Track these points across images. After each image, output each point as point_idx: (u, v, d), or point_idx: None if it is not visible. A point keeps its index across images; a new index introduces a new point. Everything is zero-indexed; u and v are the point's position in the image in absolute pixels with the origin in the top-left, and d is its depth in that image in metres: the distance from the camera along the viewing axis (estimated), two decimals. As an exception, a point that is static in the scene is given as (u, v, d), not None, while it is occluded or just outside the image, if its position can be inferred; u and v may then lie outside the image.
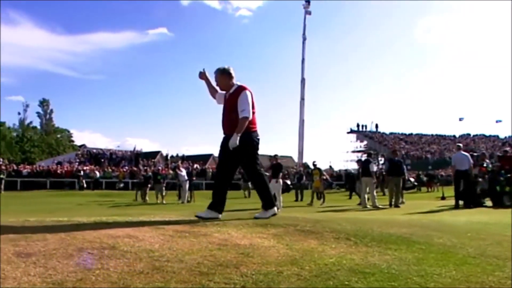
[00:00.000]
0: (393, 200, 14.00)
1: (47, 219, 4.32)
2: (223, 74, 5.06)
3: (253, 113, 4.94)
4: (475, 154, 14.46)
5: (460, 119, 68.33)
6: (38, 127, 76.17)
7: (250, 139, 4.89)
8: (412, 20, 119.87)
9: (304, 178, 24.16)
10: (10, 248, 2.72)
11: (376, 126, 70.41)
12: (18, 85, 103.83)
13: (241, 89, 4.96)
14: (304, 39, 56.86)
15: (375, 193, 14.58)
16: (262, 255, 2.91)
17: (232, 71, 5.07)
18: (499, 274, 2.61)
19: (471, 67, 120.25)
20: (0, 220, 3.89)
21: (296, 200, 21.57)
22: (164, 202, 19.40)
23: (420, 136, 70.35)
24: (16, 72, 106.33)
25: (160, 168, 33.76)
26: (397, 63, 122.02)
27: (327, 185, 23.20)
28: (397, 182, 14.26)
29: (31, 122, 75.16)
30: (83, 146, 64.54)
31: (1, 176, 28.05)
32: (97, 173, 34.67)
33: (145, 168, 33.06)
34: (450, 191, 15.96)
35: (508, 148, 16.65)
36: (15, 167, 34.06)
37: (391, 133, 70.66)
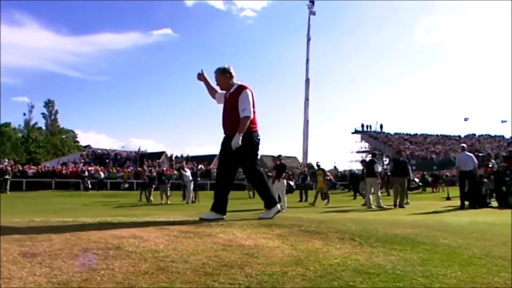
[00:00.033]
0: (398, 200, 13.97)
1: (52, 220, 4.35)
2: (223, 74, 5.04)
3: (253, 112, 4.91)
4: (480, 154, 14.39)
5: (465, 119, 68.12)
6: (43, 128, 76.57)
7: (251, 139, 4.86)
8: (416, 20, 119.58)
9: (309, 178, 24.13)
10: (16, 248, 2.73)
11: (381, 126, 70.36)
12: (24, 86, 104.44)
13: (242, 88, 4.94)
14: (309, 39, 56.88)
15: (379, 194, 14.55)
16: (267, 255, 2.90)
17: (232, 71, 5.05)
18: (504, 275, 2.59)
19: (476, 67, 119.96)
20: (0, 220, 3.90)
21: (301, 201, 21.57)
22: (168, 202, 19.43)
23: (425, 136, 70.19)
24: (21, 73, 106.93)
25: (164, 168, 33.81)
26: (402, 63, 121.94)
27: (331, 185, 23.15)
28: (402, 183, 14.21)
29: (36, 123, 75.65)
30: (88, 146, 64.81)
31: (7, 176, 28.22)
32: (102, 173, 34.76)
33: (150, 168, 33.13)
34: (455, 191, 15.91)
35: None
36: (21, 168, 34.20)
37: (395, 133, 70.51)
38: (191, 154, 56.68)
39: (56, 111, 77.01)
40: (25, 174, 32.66)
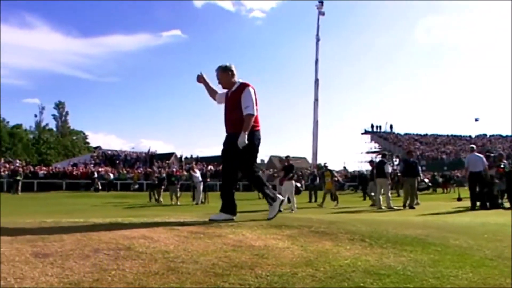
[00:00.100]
0: (408, 201, 13.90)
1: (63, 220, 4.38)
2: (225, 72, 4.99)
3: (256, 110, 4.86)
4: (492, 154, 14.26)
5: (476, 120, 67.57)
6: (54, 129, 77.21)
7: (253, 138, 4.80)
8: (426, 20, 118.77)
9: (318, 179, 24.08)
10: (28, 249, 2.75)
11: (391, 126, 70.04)
12: (34, 88, 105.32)
13: (244, 86, 4.89)
14: (318, 40, 56.63)
15: (389, 194, 14.48)
16: (277, 256, 2.90)
17: (233, 69, 5.01)
18: (517, 276, 2.57)
19: (488, 67, 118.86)
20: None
21: (310, 201, 21.50)
22: (178, 203, 19.47)
23: (435, 136, 69.79)
24: (32, 75, 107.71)
25: (174, 169, 33.88)
26: (412, 63, 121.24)
27: (339, 186, 23.09)
28: (412, 183, 14.15)
29: (47, 125, 76.32)
30: (98, 147, 65.19)
31: (18, 177, 28.45)
32: (111, 175, 34.94)
33: (160, 169, 33.24)
34: (466, 192, 15.77)
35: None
36: (32, 169, 34.46)
37: (405, 134, 70.19)
38: (201, 155, 56.80)
39: (67, 113, 77.70)
40: (36, 175, 32.91)
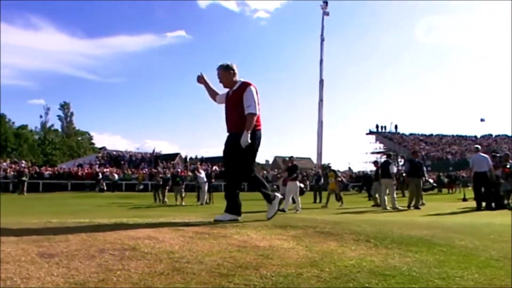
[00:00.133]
0: (413, 201, 13.86)
1: (69, 221, 4.39)
2: (227, 70, 4.95)
3: (258, 110, 4.81)
4: (498, 155, 14.19)
5: (482, 120, 67.34)
6: (59, 130, 77.54)
7: (254, 138, 4.74)
8: (430, 20, 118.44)
9: (322, 179, 24.06)
10: (34, 249, 2.77)
11: (396, 127, 69.93)
12: (40, 89, 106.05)
13: (246, 85, 4.85)
14: (322, 40, 56.57)
15: (395, 195, 14.45)
16: (282, 256, 2.90)
17: (235, 68, 4.97)
18: (523, 277, 2.56)
19: (494, 67, 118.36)
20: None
21: (315, 202, 21.49)
22: (183, 203, 19.50)
23: (440, 137, 69.60)
24: (37, 76, 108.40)
25: (179, 170, 33.96)
26: (417, 63, 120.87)
27: (343, 186, 23.05)
28: (418, 183, 14.11)
29: (52, 125, 76.75)
30: (103, 148, 65.33)
31: (24, 178, 28.58)
32: (116, 175, 35.02)
33: (165, 170, 33.33)
34: (471, 192, 15.72)
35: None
36: (37, 170, 34.60)
37: (410, 134, 70.04)
38: (205, 155, 56.90)
39: (72, 113, 78.08)
40: (42, 176, 33.02)
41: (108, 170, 37.11)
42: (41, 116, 75.42)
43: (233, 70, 4.96)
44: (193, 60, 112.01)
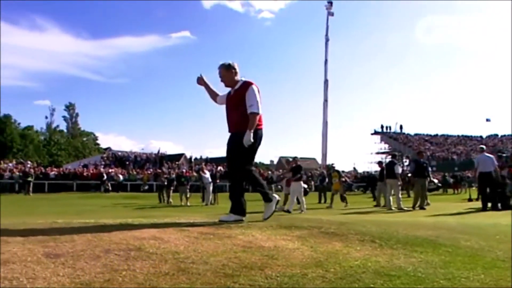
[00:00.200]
0: (418, 202, 13.81)
1: (74, 221, 4.41)
2: (229, 70, 4.92)
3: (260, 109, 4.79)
4: (504, 155, 14.13)
5: (487, 120, 67.03)
6: (65, 130, 77.84)
7: (255, 137, 4.72)
8: (435, 20, 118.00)
9: (327, 180, 24.05)
10: (40, 249, 2.78)
11: (401, 127, 69.80)
12: (45, 90, 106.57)
13: (248, 84, 4.82)
14: (327, 40, 56.62)
15: (400, 195, 14.41)
16: (287, 257, 2.90)
17: (236, 67, 4.93)
18: (529, 278, 2.54)
19: (499, 67, 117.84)
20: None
21: (319, 202, 21.48)
22: (188, 204, 19.54)
23: (446, 137, 69.37)
24: (43, 77, 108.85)
25: (184, 170, 33.98)
26: (422, 63, 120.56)
27: (347, 187, 23.02)
28: (423, 184, 14.06)
29: (57, 126, 77.10)
30: (108, 149, 65.47)
31: (30, 178, 28.73)
32: (120, 176, 35.11)
33: (169, 170, 33.34)
34: (477, 193, 15.67)
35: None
36: (43, 170, 34.71)
37: (416, 134, 69.85)
38: (210, 156, 57.08)
39: (77, 114, 78.41)
40: (47, 176, 33.12)
41: (113, 170, 37.19)
42: (46, 117, 75.90)
43: (235, 69, 4.93)
44: (198, 60, 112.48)
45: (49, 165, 47.72)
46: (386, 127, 69.79)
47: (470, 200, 18.75)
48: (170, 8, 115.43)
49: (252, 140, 4.61)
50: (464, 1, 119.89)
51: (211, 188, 20.03)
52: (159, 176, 24.89)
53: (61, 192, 30.45)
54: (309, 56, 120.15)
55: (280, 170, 41.57)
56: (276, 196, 5.14)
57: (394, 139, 66.85)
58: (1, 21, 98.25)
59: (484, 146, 15.12)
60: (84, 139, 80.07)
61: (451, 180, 33.48)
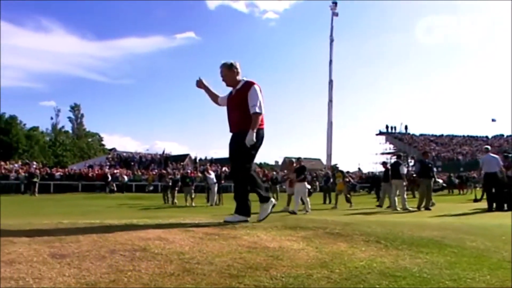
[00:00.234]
0: (424, 202, 13.77)
1: (79, 221, 4.41)
2: (231, 69, 4.88)
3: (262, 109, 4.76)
4: (509, 155, 14.03)
5: (493, 120, 66.72)
6: (70, 131, 78.12)
7: (256, 137, 4.68)
8: (440, 20, 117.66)
9: (332, 180, 24.04)
10: (45, 250, 2.79)
11: (406, 127, 69.56)
12: (50, 91, 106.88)
13: (250, 84, 4.79)
14: (332, 40, 56.49)
15: (405, 196, 14.38)
16: (292, 257, 2.90)
17: (238, 66, 4.89)
18: (536, 279, 2.53)
19: (505, 67, 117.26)
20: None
21: (324, 203, 21.46)
22: (193, 204, 19.56)
23: (451, 137, 69.10)
24: (48, 78, 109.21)
25: (189, 171, 34.05)
26: (427, 63, 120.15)
27: (351, 187, 23.00)
28: (428, 184, 14.02)
29: (63, 127, 77.44)
30: (113, 149, 65.64)
31: (35, 179, 28.88)
32: (125, 177, 35.20)
33: (174, 171, 33.39)
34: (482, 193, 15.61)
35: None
36: (48, 171, 34.86)
37: (421, 135, 69.63)
38: (215, 156, 56.88)
39: (82, 115, 78.71)
40: (53, 177, 33.25)
41: (118, 171, 37.33)
42: (52, 118, 76.21)
43: (237, 69, 4.90)
44: (202, 61, 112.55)
45: (55, 165, 47.93)
46: (391, 128, 69.64)
47: (475, 200, 18.67)
48: (175, 9, 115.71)
49: (254, 140, 4.61)
50: (471, 1, 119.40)
51: (216, 188, 20.06)
52: (164, 176, 24.92)
53: (67, 192, 30.59)
54: (313, 57, 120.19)
55: (285, 171, 41.58)
56: (273, 199, 5.12)
57: (399, 140, 66.64)
58: (4, 22, 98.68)
59: (489, 147, 15.04)
60: (89, 140, 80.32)
61: (457, 181, 33.37)
